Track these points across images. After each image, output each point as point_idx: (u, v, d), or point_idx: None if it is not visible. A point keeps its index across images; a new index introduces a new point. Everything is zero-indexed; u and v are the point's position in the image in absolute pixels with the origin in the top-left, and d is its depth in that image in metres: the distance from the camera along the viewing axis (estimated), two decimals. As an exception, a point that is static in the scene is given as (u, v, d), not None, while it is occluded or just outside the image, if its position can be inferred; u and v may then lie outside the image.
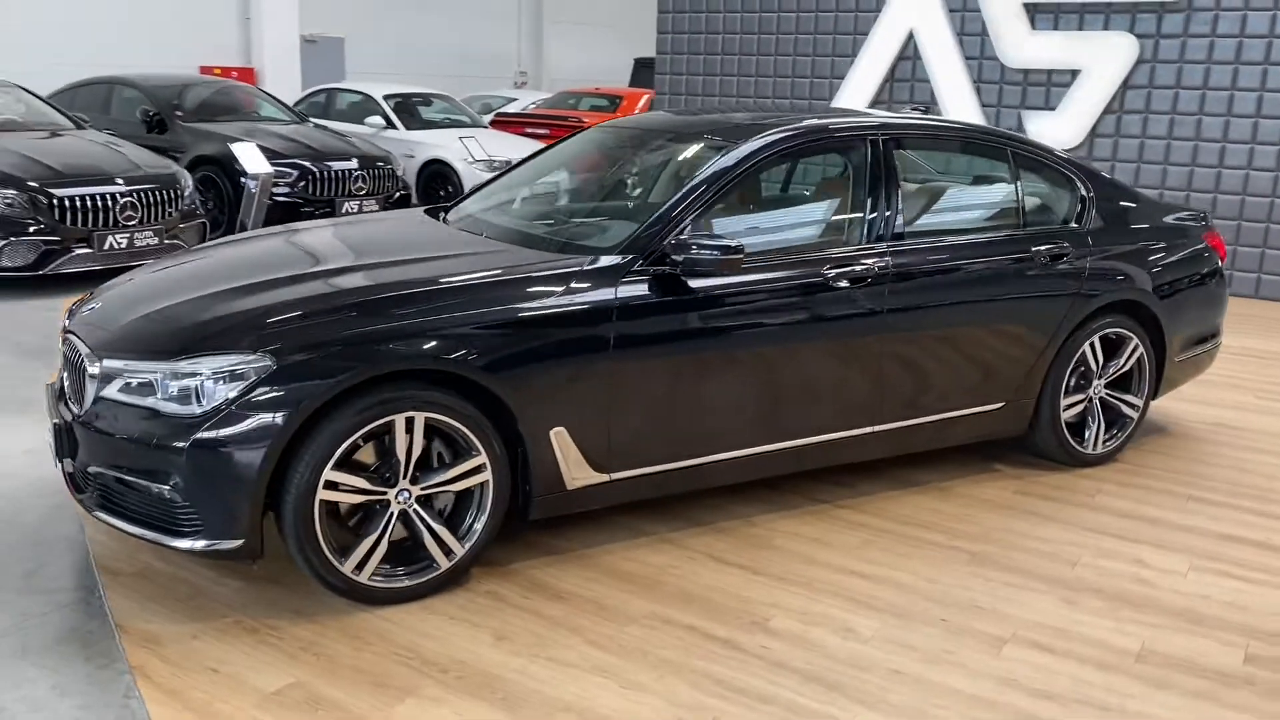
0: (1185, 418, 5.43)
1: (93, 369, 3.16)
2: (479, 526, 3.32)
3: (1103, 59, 9.21)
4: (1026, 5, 9.50)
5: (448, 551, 3.29)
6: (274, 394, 2.96)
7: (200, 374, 3.00)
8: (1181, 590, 3.56)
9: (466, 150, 11.81)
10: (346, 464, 3.11)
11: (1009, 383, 4.35)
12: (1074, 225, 4.57)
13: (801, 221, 4.28)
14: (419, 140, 12.25)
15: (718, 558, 3.67)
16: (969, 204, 4.58)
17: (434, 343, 3.15)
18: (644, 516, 3.93)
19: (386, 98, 12.91)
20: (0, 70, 11.38)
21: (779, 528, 3.93)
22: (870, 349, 3.95)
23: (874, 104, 10.35)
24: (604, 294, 3.43)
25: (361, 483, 3.12)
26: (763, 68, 11.13)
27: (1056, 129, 9.44)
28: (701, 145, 4.14)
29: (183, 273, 3.79)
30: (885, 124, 4.19)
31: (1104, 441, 4.68)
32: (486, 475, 3.29)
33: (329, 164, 9.97)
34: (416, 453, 3.17)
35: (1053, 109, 9.53)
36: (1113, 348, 4.64)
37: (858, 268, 3.89)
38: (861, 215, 4.04)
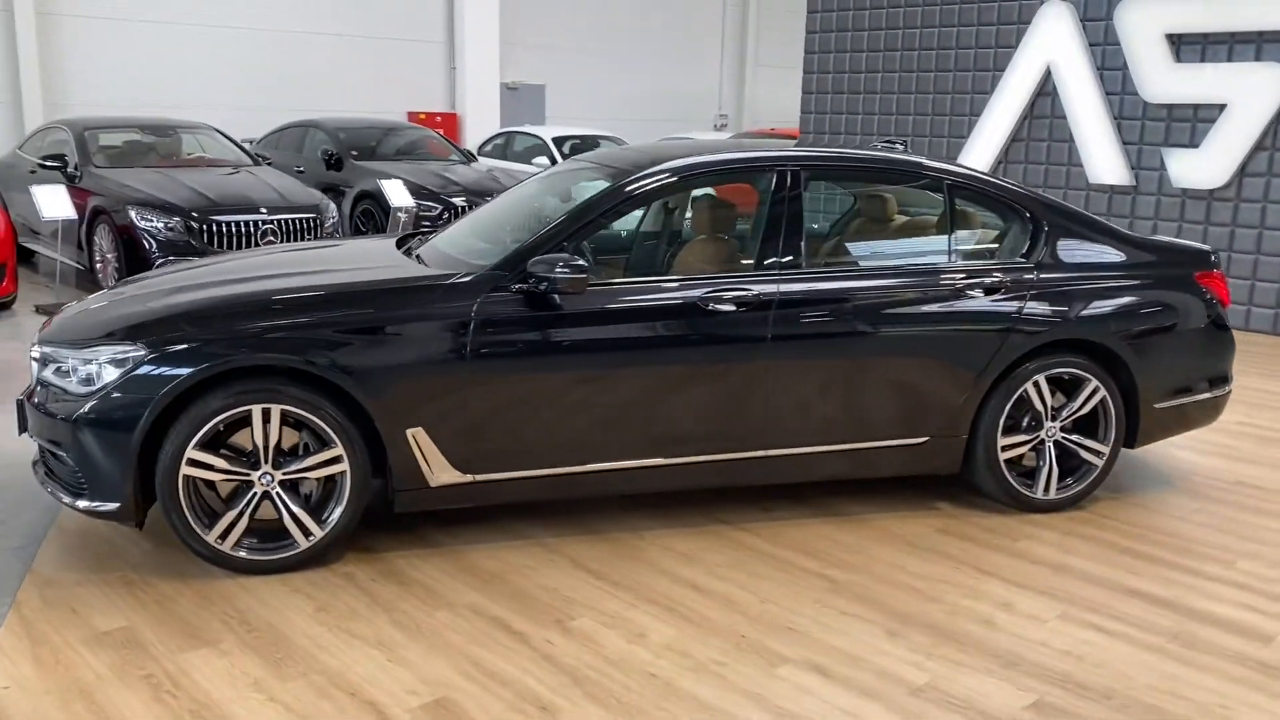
0: (1203, 472, 5.03)
1: (34, 354, 3.80)
2: (337, 514, 3.70)
3: (1253, 92, 8.53)
4: (1169, 36, 8.95)
5: (306, 533, 3.69)
6: (144, 379, 3.48)
7: (96, 360, 3.56)
8: (1024, 636, 3.42)
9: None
10: (213, 445, 3.57)
11: (931, 417, 4.27)
12: (1019, 260, 4.42)
13: (685, 246, 4.42)
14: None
15: (578, 563, 3.87)
16: (887, 236, 4.53)
17: (293, 343, 3.57)
18: (535, 522, 4.18)
19: (555, 140, 13.70)
20: (234, 111, 13.08)
21: (661, 542, 4.06)
22: (752, 374, 4.02)
23: (1011, 141, 10.04)
24: (464, 308, 3.74)
25: (222, 463, 3.58)
26: (902, 106, 11.02)
27: (1199, 167, 8.84)
28: (600, 176, 4.35)
29: (162, 279, 4.41)
30: (794, 157, 4.26)
31: (1058, 487, 4.45)
32: (344, 466, 3.67)
33: (475, 199, 10.78)
34: (274, 441, 3.60)
35: (1196, 146, 8.90)
36: (1070, 389, 4.43)
37: (738, 294, 3.98)
38: (756, 244, 4.13)
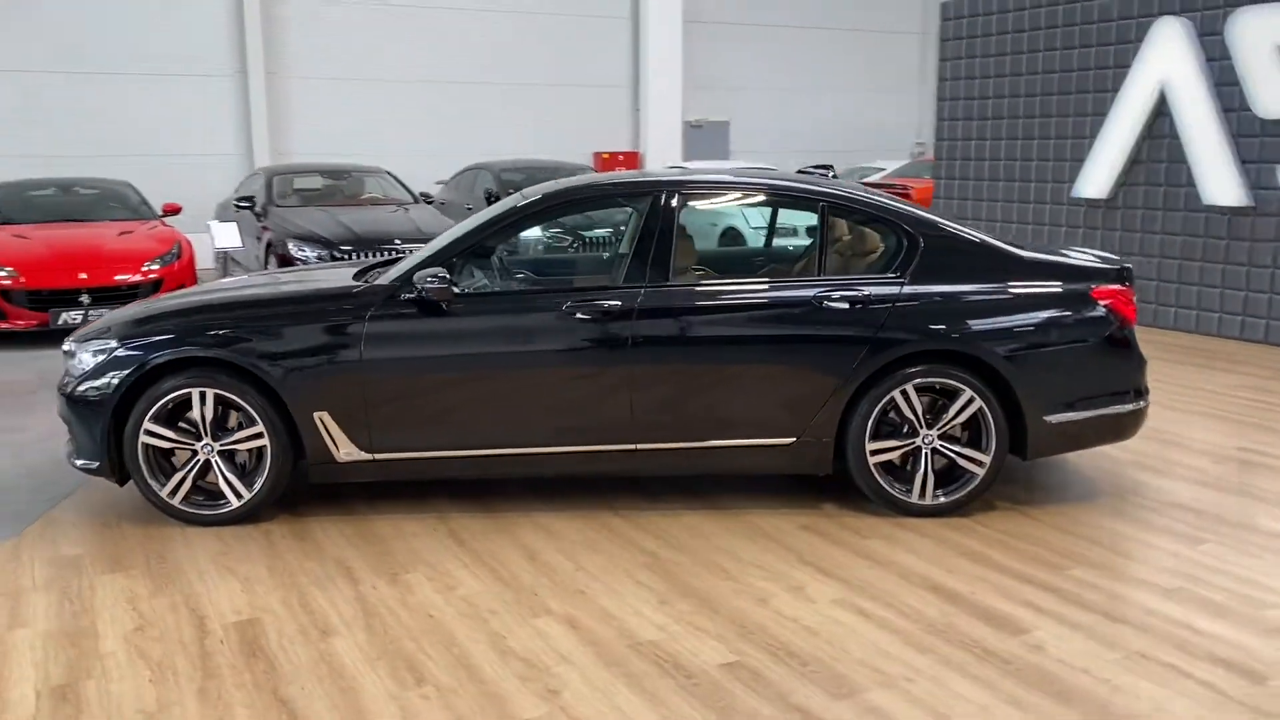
0: (1144, 491, 4.99)
1: (66, 347, 4.93)
2: (260, 481, 4.57)
3: (1375, 103, 7.93)
4: (1283, 48, 8.46)
5: (238, 495, 4.58)
6: (114, 365, 4.50)
7: (88, 350, 4.62)
8: (781, 613, 3.74)
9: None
10: (170, 420, 4.53)
11: (796, 420, 4.59)
12: (888, 274, 4.67)
13: (571, 262, 4.96)
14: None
15: (454, 533, 4.53)
16: (757, 252, 4.87)
17: (223, 340, 4.48)
18: (447, 501, 4.86)
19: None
20: (435, 157, 14.62)
21: (540, 521, 4.64)
22: (615, 375, 4.53)
23: (1131, 164, 9.71)
24: (361, 313, 4.52)
25: (170, 434, 4.53)
26: (1027, 130, 10.86)
27: (1315, 185, 8.26)
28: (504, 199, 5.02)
29: (193, 290, 5.49)
30: (669, 182, 4.76)
31: (934, 493, 4.64)
32: (265, 442, 4.53)
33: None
34: (210, 417, 4.51)
35: (1315, 163, 8.34)
36: (949, 398, 4.62)
37: (602, 304, 4.53)
38: (627, 259, 4.66)
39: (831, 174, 5.47)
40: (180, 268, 9.51)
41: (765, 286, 4.68)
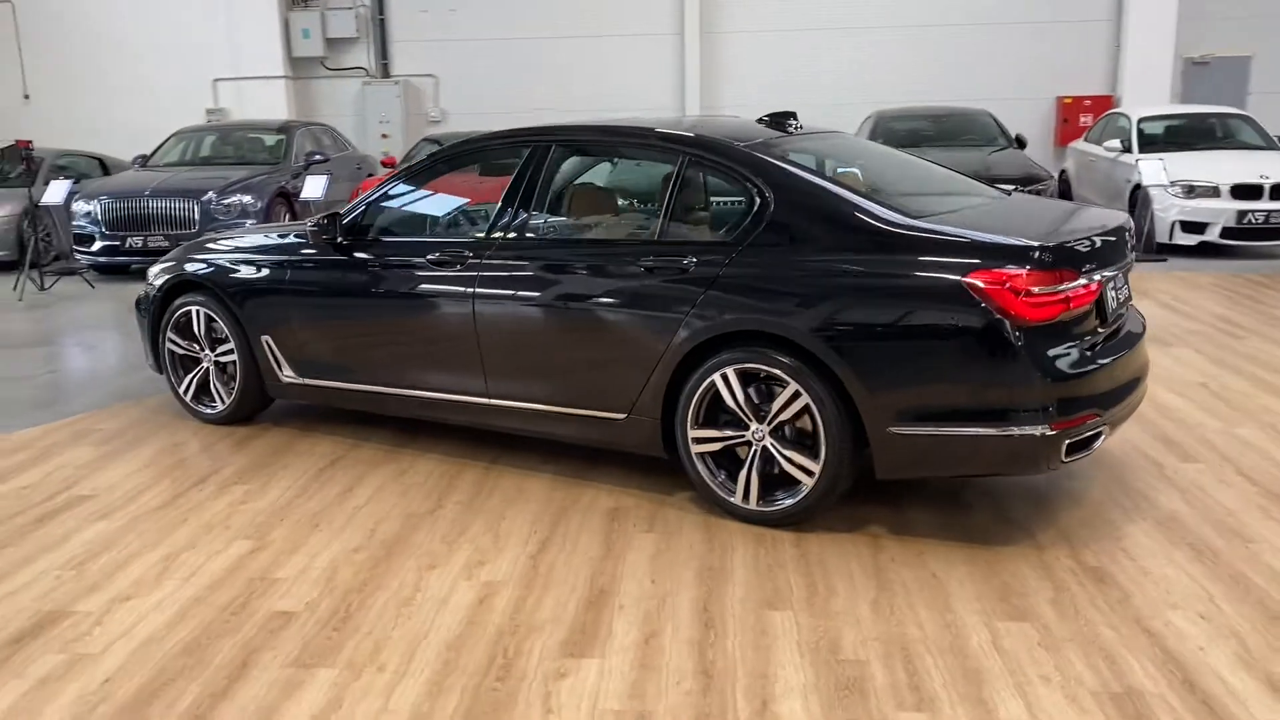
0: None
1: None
2: (234, 388, 5.38)
3: None
4: None
5: (222, 400, 5.45)
6: (154, 288, 5.58)
7: (150, 276, 5.77)
8: (435, 597, 3.62)
9: (1164, 173, 10.81)
10: (185, 331, 5.52)
11: (623, 396, 4.21)
12: (722, 238, 4.01)
13: (451, 214, 4.87)
14: (1135, 163, 11.50)
15: (337, 463, 4.93)
16: (606, 208, 4.34)
17: (210, 271, 5.33)
18: (391, 432, 5.26)
19: (1142, 120, 12.23)
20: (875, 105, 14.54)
21: (420, 464, 4.84)
22: (465, 327, 4.53)
23: None
24: (294, 251, 5.06)
25: (184, 342, 5.51)
26: None
27: None
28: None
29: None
30: (541, 131, 4.53)
31: (760, 498, 3.97)
32: (234, 358, 5.33)
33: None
34: (202, 332, 5.41)
35: None
36: (781, 388, 3.91)
37: (452, 255, 4.55)
38: (488, 212, 4.59)
39: (796, 125, 4.67)
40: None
41: (598, 247, 4.30)
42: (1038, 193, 10.16)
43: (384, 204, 5.00)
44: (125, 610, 3.47)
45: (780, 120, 4.65)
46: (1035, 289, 3.54)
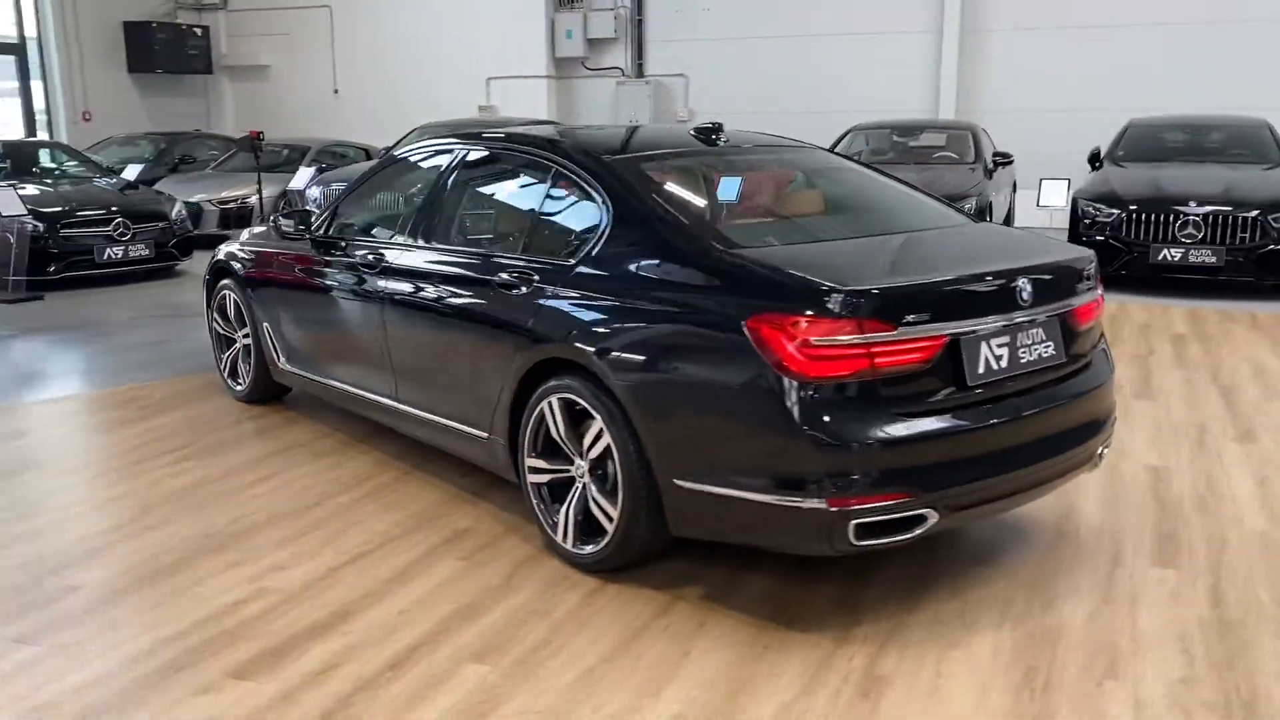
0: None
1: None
2: (249, 372, 5.76)
3: None
4: None
5: (241, 382, 5.85)
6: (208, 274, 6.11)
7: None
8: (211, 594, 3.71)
9: None
10: (221, 311, 5.98)
11: (484, 414, 4.06)
12: (563, 259, 3.73)
13: (383, 215, 4.86)
14: None
15: (299, 443, 5.15)
16: (484, 217, 4.14)
17: (237, 261, 5.72)
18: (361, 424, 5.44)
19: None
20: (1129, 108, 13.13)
21: (372, 452, 4.96)
22: (375, 329, 4.58)
23: None
24: (290, 248, 5.32)
25: (222, 324, 5.97)
26: None
27: None
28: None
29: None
30: (452, 140, 4.54)
31: (576, 540, 3.69)
32: (249, 342, 5.72)
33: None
34: (231, 314, 5.84)
35: None
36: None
37: (373, 258, 4.59)
38: (406, 218, 4.60)
39: (721, 138, 4.22)
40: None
41: (473, 257, 4.15)
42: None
43: (348, 202, 5.14)
44: None
45: (706, 133, 4.27)
46: (816, 339, 3.00)
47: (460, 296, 4.14)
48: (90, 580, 3.68)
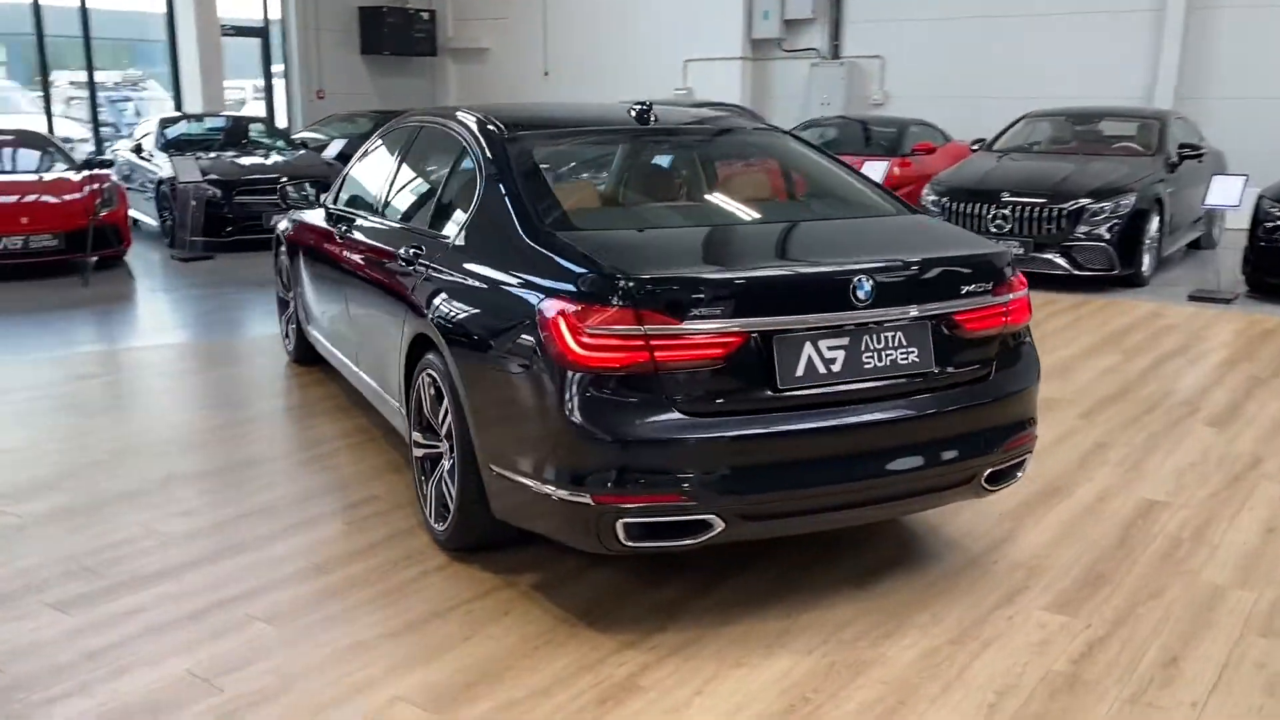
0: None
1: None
2: (295, 333, 6.14)
3: None
4: None
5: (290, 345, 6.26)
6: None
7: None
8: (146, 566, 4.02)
9: None
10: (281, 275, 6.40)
11: (394, 386, 4.14)
12: (446, 235, 3.73)
13: (364, 189, 4.93)
14: None
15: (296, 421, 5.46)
16: (415, 191, 4.18)
17: (289, 228, 6.10)
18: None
19: None
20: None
21: (361, 429, 5.20)
22: (341, 301, 4.77)
23: None
24: (305, 216, 5.63)
25: (281, 284, 6.39)
26: None
27: None
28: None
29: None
30: (427, 115, 4.56)
31: (436, 518, 3.70)
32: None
33: None
34: (285, 279, 6.24)
35: None
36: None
37: (343, 229, 4.78)
38: (371, 192, 4.75)
39: (650, 117, 3.98)
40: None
41: (391, 232, 4.25)
42: None
43: (348, 176, 5.34)
44: None
45: (641, 114, 4.13)
46: (592, 328, 2.86)
47: (379, 269, 4.23)
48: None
